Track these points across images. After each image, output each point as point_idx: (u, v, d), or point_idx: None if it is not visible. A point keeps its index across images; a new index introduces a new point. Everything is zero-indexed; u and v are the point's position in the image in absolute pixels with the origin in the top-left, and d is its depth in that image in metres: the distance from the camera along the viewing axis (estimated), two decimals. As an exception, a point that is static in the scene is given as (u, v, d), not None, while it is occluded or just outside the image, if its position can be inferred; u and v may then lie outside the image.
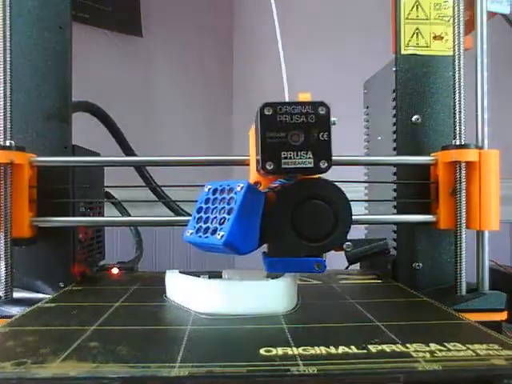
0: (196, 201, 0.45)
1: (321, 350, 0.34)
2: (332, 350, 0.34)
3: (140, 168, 0.72)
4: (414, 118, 0.58)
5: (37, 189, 0.54)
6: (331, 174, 0.41)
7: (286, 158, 0.40)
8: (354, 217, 0.42)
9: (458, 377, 0.31)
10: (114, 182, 0.67)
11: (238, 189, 0.40)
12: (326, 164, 0.40)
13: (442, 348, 0.34)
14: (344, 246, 0.43)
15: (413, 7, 0.59)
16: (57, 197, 0.56)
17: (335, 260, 0.71)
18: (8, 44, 0.51)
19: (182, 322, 0.42)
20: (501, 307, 0.52)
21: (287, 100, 0.45)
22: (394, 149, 0.60)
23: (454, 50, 0.53)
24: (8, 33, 0.51)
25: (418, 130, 0.59)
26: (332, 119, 0.40)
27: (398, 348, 0.34)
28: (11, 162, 0.50)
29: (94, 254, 0.68)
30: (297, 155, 0.40)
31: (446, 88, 0.58)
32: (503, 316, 0.51)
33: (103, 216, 0.74)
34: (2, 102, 0.50)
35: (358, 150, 0.74)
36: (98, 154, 0.68)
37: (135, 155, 0.75)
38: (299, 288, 0.49)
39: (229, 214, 0.40)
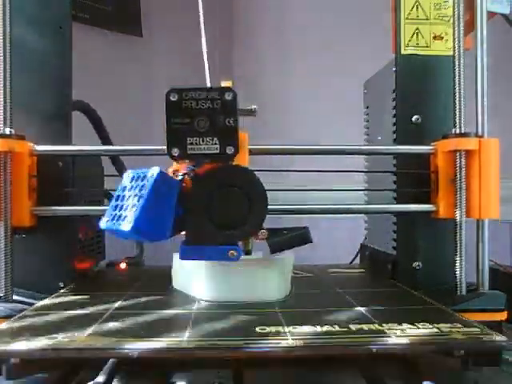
0: None
1: (308, 328, 0.39)
2: (318, 328, 0.39)
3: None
4: (414, 118, 0.58)
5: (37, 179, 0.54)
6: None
7: (191, 143, 0.40)
8: (354, 206, 0.43)
9: (422, 348, 0.37)
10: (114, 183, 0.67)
11: (149, 175, 0.40)
12: (232, 150, 0.40)
13: (412, 327, 0.39)
14: (259, 234, 0.44)
15: (413, 7, 0.59)
16: (57, 194, 0.55)
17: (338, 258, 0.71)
18: (8, 44, 0.50)
19: (188, 307, 0.46)
20: (501, 307, 0.52)
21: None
22: (395, 161, 0.60)
23: (454, 50, 0.53)
24: (8, 33, 0.50)
25: (418, 130, 0.59)
26: (252, 107, 0.40)
27: (375, 327, 0.39)
28: (11, 150, 0.50)
29: (94, 253, 0.68)
30: (202, 141, 0.40)
31: (446, 88, 0.58)
32: (503, 316, 0.51)
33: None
34: (1, 90, 0.50)
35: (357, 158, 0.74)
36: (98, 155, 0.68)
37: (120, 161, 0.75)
38: (292, 279, 0.52)
39: (139, 201, 0.40)
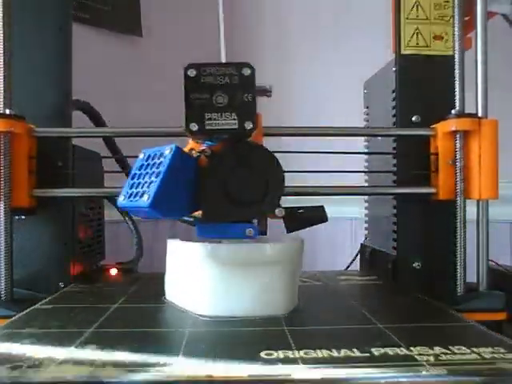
0: None
1: (323, 353, 0.33)
2: (334, 353, 0.33)
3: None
4: (414, 117, 0.58)
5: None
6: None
7: (210, 119, 0.40)
8: (354, 188, 0.42)
9: (464, 381, 0.30)
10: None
11: (167, 152, 0.40)
12: (251, 125, 0.40)
13: (447, 351, 0.33)
14: (276, 212, 0.43)
15: (413, 7, 0.59)
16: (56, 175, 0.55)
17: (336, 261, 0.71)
18: (8, 44, 0.50)
19: (182, 323, 0.41)
20: (500, 307, 0.52)
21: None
22: (394, 148, 0.60)
23: (454, 50, 0.53)
24: (8, 33, 0.50)
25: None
26: (267, 85, 0.40)
27: (402, 351, 0.33)
28: (11, 130, 0.50)
29: (93, 253, 0.68)
30: (221, 116, 0.40)
31: (446, 88, 0.58)
32: (503, 316, 0.51)
33: (103, 215, 0.74)
34: (1, 71, 0.50)
35: (358, 149, 0.74)
36: (97, 154, 0.68)
37: (123, 157, 0.75)
38: (299, 289, 0.47)
39: (157, 177, 0.39)
